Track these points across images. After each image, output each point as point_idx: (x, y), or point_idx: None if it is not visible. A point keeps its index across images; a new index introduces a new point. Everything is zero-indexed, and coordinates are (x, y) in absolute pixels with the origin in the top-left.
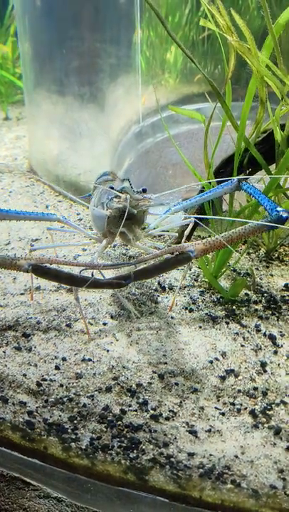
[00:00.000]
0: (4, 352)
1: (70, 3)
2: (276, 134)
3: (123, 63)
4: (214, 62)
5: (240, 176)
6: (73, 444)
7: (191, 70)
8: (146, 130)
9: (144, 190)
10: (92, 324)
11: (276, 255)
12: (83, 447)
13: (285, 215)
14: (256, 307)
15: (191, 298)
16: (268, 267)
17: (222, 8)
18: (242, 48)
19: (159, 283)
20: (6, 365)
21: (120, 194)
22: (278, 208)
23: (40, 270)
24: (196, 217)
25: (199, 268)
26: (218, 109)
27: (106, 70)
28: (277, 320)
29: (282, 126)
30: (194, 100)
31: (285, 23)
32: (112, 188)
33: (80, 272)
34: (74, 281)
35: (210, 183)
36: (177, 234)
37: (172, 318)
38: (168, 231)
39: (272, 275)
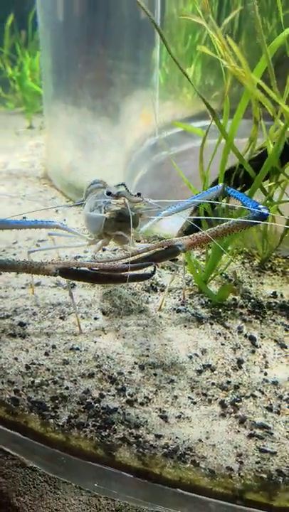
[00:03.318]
0: (0, 337)
1: (89, 19)
2: (270, 151)
3: (139, 78)
4: (232, 80)
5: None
6: (52, 420)
7: (209, 87)
8: (162, 143)
9: (139, 194)
10: (84, 318)
11: (269, 265)
12: (60, 424)
13: (266, 211)
14: (241, 311)
15: (180, 300)
16: (259, 276)
17: (219, 33)
18: (237, 72)
19: (151, 284)
20: None
21: (116, 198)
22: (260, 206)
23: (67, 273)
24: (188, 218)
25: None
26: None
27: (119, 84)
28: (260, 323)
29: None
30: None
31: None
32: (109, 193)
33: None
34: (100, 280)
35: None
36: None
37: (160, 317)
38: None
39: (262, 283)
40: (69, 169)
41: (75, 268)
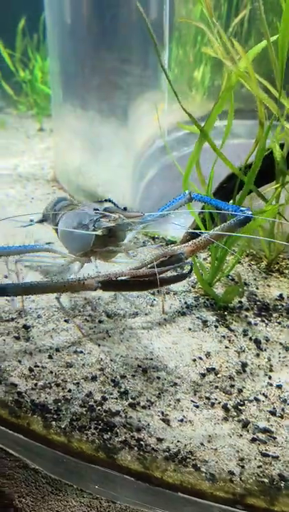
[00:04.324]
0: (4, 340)
1: (96, 22)
2: (275, 152)
3: (147, 81)
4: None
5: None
6: (54, 422)
7: (218, 88)
8: (172, 144)
9: (125, 209)
10: (88, 321)
11: (277, 268)
12: (63, 426)
13: (249, 213)
14: (247, 314)
15: (185, 303)
16: (266, 278)
17: (223, 34)
18: (240, 73)
19: None
20: (4, 352)
21: (110, 214)
22: (242, 208)
23: (109, 285)
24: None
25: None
26: (249, 126)
27: (126, 86)
28: (266, 326)
29: (282, 146)
30: (220, 117)
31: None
32: (97, 209)
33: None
34: (140, 287)
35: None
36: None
37: (165, 320)
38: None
39: (269, 286)
40: (77, 172)
41: (115, 279)
